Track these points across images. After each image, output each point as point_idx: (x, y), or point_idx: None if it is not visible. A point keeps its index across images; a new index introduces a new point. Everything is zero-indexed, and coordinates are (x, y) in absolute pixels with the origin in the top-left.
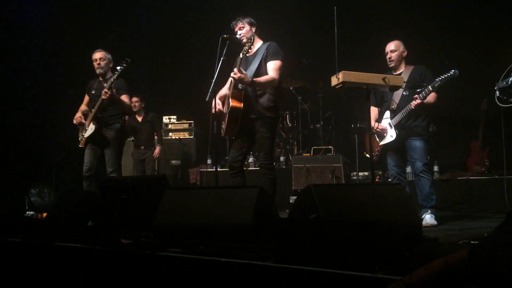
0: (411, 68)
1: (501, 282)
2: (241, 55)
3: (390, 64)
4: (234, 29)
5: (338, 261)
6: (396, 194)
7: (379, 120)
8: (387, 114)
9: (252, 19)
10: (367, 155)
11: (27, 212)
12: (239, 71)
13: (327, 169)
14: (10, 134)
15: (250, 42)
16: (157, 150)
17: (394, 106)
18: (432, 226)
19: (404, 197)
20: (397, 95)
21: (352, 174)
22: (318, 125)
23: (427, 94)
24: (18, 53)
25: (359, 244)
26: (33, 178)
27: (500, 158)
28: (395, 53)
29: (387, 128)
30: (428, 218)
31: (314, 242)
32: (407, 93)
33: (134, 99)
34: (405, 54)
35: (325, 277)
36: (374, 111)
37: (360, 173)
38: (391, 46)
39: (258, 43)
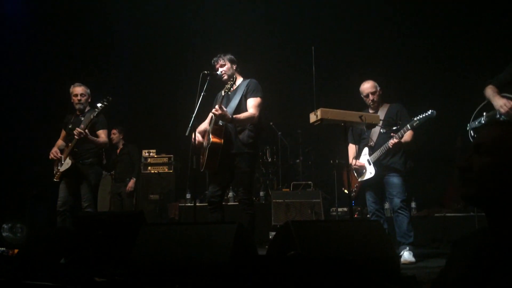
0: (387, 106)
1: None
2: (222, 92)
3: (374, 104)
4: (215, 65)
5: None
6: (374, 230)
7: (357, 157)
8: (366, 150)
9: (232, 56)
10: (346, 191)
11: None
12: (220, 108)
13: (307, 204)
14: None
15: (232, 81)
16: (131, 183)
17: (372, 143)
18: (410, 263)
19: (382, 234)
20: (375, 132)
21: (331, 209)
22: (297, 160)
23: (405, 133)
24: None
25: (337, 281)
26: (5, 213)
27: None
28: (376, 94)
29: (365, 164)
30: (406, 255)
31: (292, 280)
32: (384, 131)
33: (113, 131)
34: (381, 92)
35: None
36: (352, 148)
37: (340, 209)
38: (368, 88)
39: (239, 80)
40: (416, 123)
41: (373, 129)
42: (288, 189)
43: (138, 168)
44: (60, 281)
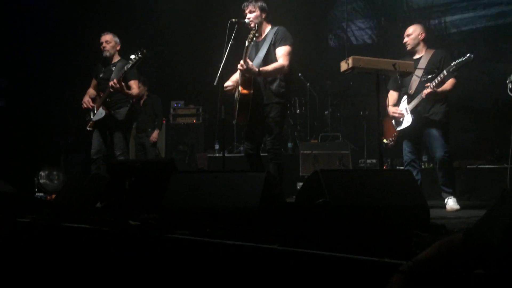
0: (431, 52)
1: (497, 263)
2: (246, 43)
3: (407, 47)
4: (244, 10)
5: (345, 245)
6: (404, 180)
7: (397, 105)
8: (404, 99)
9: (264, 4)
10: (385, 141)
11: (37, 194)
12: (245, 63)
13: (335, 156)
14: (20, 117)
15: (254, 30)
16: (154, 134)
17: (411, 91)
18: (456, 210)
19: (412, 183)
20: (415, 80)
21: (360, 161)
22: (326, 112)
23: (440, 81)
24: (25, 37)
25: (366, 228)
26: (42, 161)
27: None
28: (411, 36)
29: (404, 113)
30: (451, 203)
31: (321, 226)
32: (425, 78)
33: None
34: (422, 37)
35: (331, 261)
36: (392, 95)
37: (368, 160)
38: (408, 30)
39: (267, 28)
40: (452, 68)
41: (414, 77)
42: (316, 141)
43: (160, 119)
44: (96, 224)
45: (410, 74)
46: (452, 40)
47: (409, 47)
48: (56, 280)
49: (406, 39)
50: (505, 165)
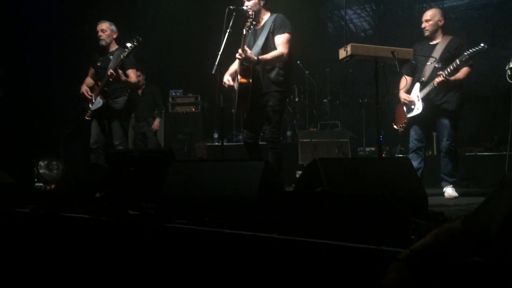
0: (448, 38)
1: (495, 251)
2: (244, 32)
3: (425, 33)
4: None
5: (343, 234)
6: (402, 168)
7: (409, 91)
8: (417, 86)
9: None
10: (395, 127)
11: (36, 184)
12: (244, 51)
13: (334, 144)
14: (19, 106)
15: (252, 18)
16: (156, 122)
17: (424, 78)
18: (454, 197)
19: (411, 171)
20: (430, 66)
21: (358, 149)
22: (325, 100)
23: (453, 70)
24: (24, 24)
25: (364, 217)
26: (41, 151)
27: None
28: (430, 22)
29: (415, 100)
30: (450, 191)
31: (319, 215)
32: (440, 65)
33: (137, 73)
34: (441, 23)
35: (330, 249)
36: (404, 81)
37: (367, 148)
38: (426, 15)
39: (266, 15)
40: (465, 57)
41: (427, 64)
42: (315, 129)
43: (160, 108)
44: (95, 214)
45: (408, 61)
46: (452, 27)
47: (427, 33)
48: (55, 270)
49: (424, 25)
50: (504, 152)
